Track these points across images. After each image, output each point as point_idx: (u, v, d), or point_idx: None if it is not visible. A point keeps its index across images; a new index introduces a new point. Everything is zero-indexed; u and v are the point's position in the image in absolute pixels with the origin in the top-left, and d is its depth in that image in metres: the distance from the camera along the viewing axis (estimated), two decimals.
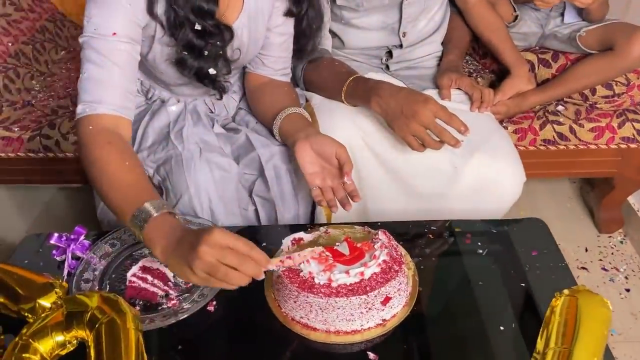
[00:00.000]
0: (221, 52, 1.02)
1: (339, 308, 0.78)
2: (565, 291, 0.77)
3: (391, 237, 0.88)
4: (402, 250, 0.89)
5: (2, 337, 0.79)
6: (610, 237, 1.66)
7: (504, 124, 1.42)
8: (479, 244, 0.96)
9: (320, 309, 0.79)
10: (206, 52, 1.00)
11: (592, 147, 1.44)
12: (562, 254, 0.94)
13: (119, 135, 0.89)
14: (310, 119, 1.09)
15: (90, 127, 0.88)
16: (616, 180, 1.54)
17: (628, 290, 1.48)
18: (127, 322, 0.74)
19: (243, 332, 0.83)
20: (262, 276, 0.74)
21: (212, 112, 1.19)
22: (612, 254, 1.60)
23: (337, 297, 0.78)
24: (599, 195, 1.64)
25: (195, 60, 1.00)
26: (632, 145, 1.44)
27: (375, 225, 0.97)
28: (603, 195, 1.61)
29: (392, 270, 0.81)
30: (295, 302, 0.81)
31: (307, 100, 1.27)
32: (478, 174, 1.13)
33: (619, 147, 1.44)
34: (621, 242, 1.64)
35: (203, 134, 1.10)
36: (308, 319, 0.81)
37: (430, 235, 0.99)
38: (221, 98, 1.13)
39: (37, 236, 1.02)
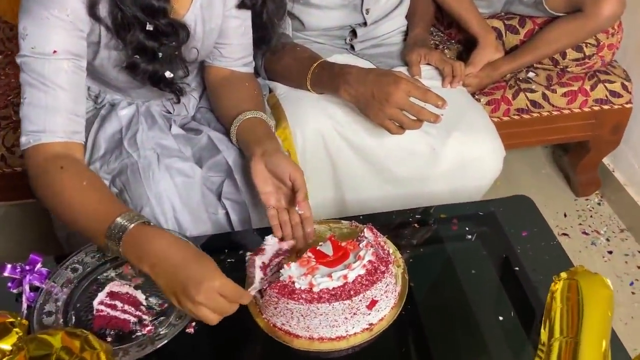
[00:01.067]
0: (177, 53, 0.93)
1: (321, 314, 0.73)
2: (564, 274, 0.74)
3: (378, 233, 0.83)
4: (390, 247, 0.84)
5: None
6: (587, 199, 1.66)
7: (476, 96, 1.38)
8: (467, 229, 0.92)
9: (302, 315, 0.74)
10: (160, 54, 0.91)
11: (566, 112, 1.42)
12: (553, 232, 0.90)
13: (71, 157, 0.83)
14: (270, 124, 1.00)
15: (38, 158, 0.82)
16: (591, 143, 1.53)
17: (610, 253, 1.48)
18: None
19: (228, 350, 0.77)
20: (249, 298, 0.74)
21: (170, 113, 1.10)
22: (591, 216, 1.60)
23: (319, 303, 0.73)
24: (574, 159, 1.63)
25: (148, 64, 0.91)
26: (605, 107, 1.42)
27: (360, 220, 0.92)
28: (578, 158, 1.60)
29: (379, 271, 0.76)
30: (275, 308, 0.75)
31: (270, 91, 1.19)
32: (457, 153, 1.09)
33: (592, 110, 1.42)
34: (599, 204, 1.64)
35: (160, 137, 1.01)
36: (290, 326, 0.76)
37: (416, 225, 0.94)
38: (179, 102, 1.04)
39: None
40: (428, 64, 1.23)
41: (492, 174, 1.12)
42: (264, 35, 1.08)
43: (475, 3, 1.40)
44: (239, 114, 0.98)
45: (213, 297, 0.69)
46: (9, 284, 0.85)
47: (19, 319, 0.75)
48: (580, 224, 1.58)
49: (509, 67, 1.39)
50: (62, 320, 0.80)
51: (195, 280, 0.69)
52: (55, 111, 0.82)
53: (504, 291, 0.82)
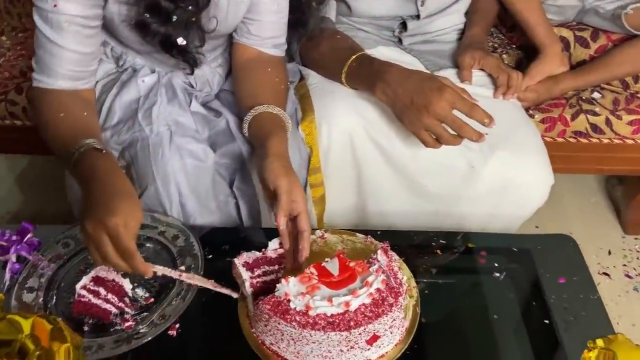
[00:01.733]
0: (194, 19, 0.85)
1: (314, 342, 0.65)
2: (600, 342, 0.63)
3: (394, 257, 0.74)
4: (405, 273, 0.74)
5: None
6: (637, 239, 1.51)
7: (530, 111, 1.25)
8: (496, 264, 0.81)
9: (293, 339, 0.66)
10: (175, 18, 0.83)
11: (630, 142, 1.27)
12: (595, 284, 0.79)
13: (71, 97, 0.85)
14: (283, 117, 0.91)
15: (38, 95, 0.85)
16: None
17: None
18: (65, 357, 0.61)
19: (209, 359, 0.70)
20: (149, 273, 0.70)
21: (193, 87, 1.02)
22: (638, 258, 1.45)
23: (313, 329, 0.65)
24: (630, 193, 1.48)
25: (160, 26, 0.83)
26: None
27: (377, 235, 0.83)
28: (634, 193, 1.45)
29: (386, 303, 0.67)
30: (265, 325, 0.68)
31: (302, 78, 1.09)
32: (499, 175, 0.97)
33: None
34: None
35: (177, 114, 0.94)
36: (278, 347, 0.68)
37: (438, 251, 0.84)
38: (192, 73, 0.96)
39: None
40: (482, 69, 1.11)
41: (535, 204, 1.00)
42: (300, 18, 0.98)
43: (545, 8, 1.26)
44: (253, 106, 0.90)
45: (101, 237, 0.66)
46: None
47: None
48: (624, 265, 1.44)
49: (572, 84, 1.25)
50: (42, 299, 0.76)
51: (101, 210, 0.67)
52: (60, 64, 0.83)
53: (528, 345, 0.71)
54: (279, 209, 0.77)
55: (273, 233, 0.84)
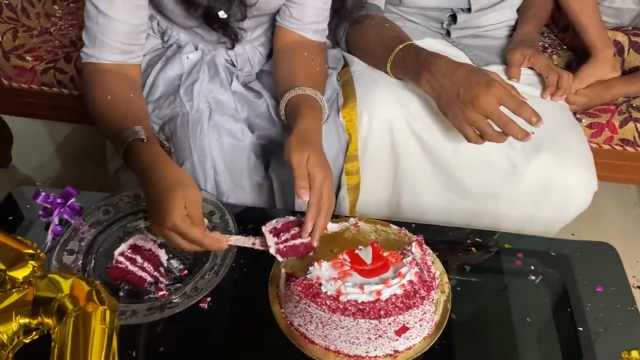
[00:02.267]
0: None
1: (343, 327, 0.66)
2: (635, 354, 0.62)
3: (428, 250, 0.73)
4: (438, 268, 0.73)
5: None
6: None
7: (577, 115, 1.21)
8: (532, 267, 0.80)
9: (322, 323, 0.67)
10: None
11: None
12: (633, 295, 0.76)
13: (117, 75, 0.87)
14: (320, 102, 0.89)
15: (90, 70, 0.87)
16: None
17: None
18: (101, 319, 0.63)
19: (237, 335, 0.71)
20: (224, 245, 0.73)
21: (234, 66, 1.02)
22: None
23: (343, 315, 0.65)
24: None
25: None
26: None
27: (411, 228, 0.82)
28: None
29: (418, 295, 0.67)
30: (295, 307, 0.69)
31: (345, 65, 1.08)
32: (541, 177, 0.94)
33: None
34: None
35: (218, 92, 0.95)
36: (306, 330, 0.69)
37: (473, 248, 0.83)
38: (232, 47, 0.96)
39: (28, 189, 0.92)
40: (531, 68, 1.08)
41: (577, 210, 0.97)
42: (344, 2, 0.97)
43: (601, 10, 1.21)
44: (288, 90, 0.90)
45: (170, 234, 0.69)
46: (40, 212, 0.83)
47: (38, 251, 0.73)
48: None
49: (624, 90, 1.20)
50: (81, 262, 0.78)
51: (158, 213, 0.69)
52: (110, 36, 0.84)
53: (559, 351, 0.70)
54: (294, 182, 0.76)
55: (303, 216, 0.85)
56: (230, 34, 0.91)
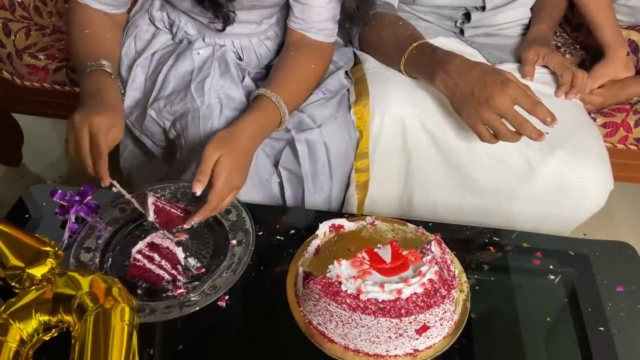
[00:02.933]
0: None
1: (363, 326, 0.65)
2: None
3: (447, 249, 0.73)
4: (457, 267, 0.73)
5: None
6: None
7: (592, 115, 1.20)
8: (551, 266, 0.79)
9: (342, 321, 0.66)
10: None
11: None
12: None
13: (101, 18, 0.95)
14: (280, 108, 0.89)
15: (73, 9, 0.95)
16: None
17: None
18: (121, 316, 0.63)
19: (255, 334, 0.71)
20: (104, 184, 0.79)
21: (241, 60, 1.02)
22: None
23: (364, 313, 0.65)
24: None
25: None
26: None
27: (428, 227, 0.82)
28: None
29: (438, 294, 0.66)
30: (315, 305, 0.68)
31: (356, 63, 1.08)
32: (557, 175, 0.94)
33: None
34: None
35: (229, 88, 0.95)
36: (326, 328, 0.69)
37: (491, 247, 0.82)
38: (223, 29, 0.96)
39: (43, 187, 0.92)
40: (545, 66, 1.08)
41: (592, 208, 0.97)
42: (349, 5, 0.97)
43: (616, 8, 1.21)
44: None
45: (83, 128, 0.79)
46: (57, 210, 0.83)
47: (56, 249, 0.73)
48: None
49: (639, 89, 1.19)
50: (98, 259, 0.78)
51: (87, 111, 0.80)
52: None
53: (579, 351, 0.69)
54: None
55: (318, 214, 0.85)
56: (220, 15, 0.92)
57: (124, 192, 0.81)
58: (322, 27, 0.98)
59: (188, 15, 0.99)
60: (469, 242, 0.84)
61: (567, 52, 1.34)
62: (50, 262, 0.71)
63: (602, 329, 0.71)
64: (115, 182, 0.80)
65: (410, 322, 0.64)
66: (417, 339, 0.66)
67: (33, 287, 0.68)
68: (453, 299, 0.68)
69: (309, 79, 0.98)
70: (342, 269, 0.69)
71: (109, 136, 0.80)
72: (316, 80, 1.00)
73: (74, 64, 0.96)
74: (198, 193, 0.77)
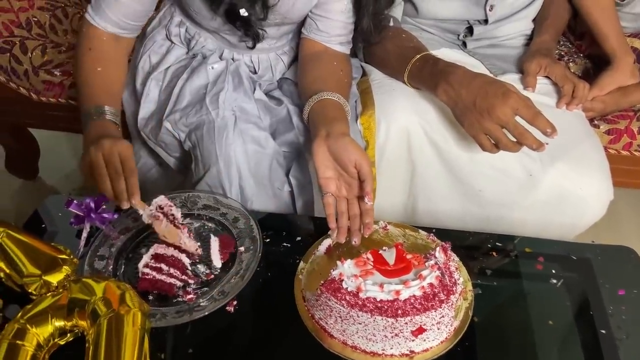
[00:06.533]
0: None
1: (360, 323, 0.67)
2: None
3: (452, 257, 0.74)
4: (462, 275, 0.75)
5: (1, 314, 0.72)
6: None
7: (595, 122, 1.22)
8: (553, 271, 0.80)
9: (340, 317, 0.69)
10: None
11: None
12: None
13: (110, 44, 0.96)
14: (346, 109, 0.93)
15: (84, 32, 0.96)
16: None
17: None
18: (133, 321, 0.65)
19: (262, 338, 0.73)
20: (124, 206, 0.79)
21: (255, 73, 1.06)
22: None
23: (361, 310, 0.67)
24: None
25: None
26: None
27: (431, 233, 0.83)
28: None
29: (437, 299, 0.68)
30: (317, 300, 0.71)
31: (364, 74, 1.11)
32: (557, 186, 0.95)
33: None
34: None
35: (242, 100, 0.98)
36: (326, 323, 0.71)
37: (494, 252, 0.84)
38: (254, 47, 1.00)
39: (59, 198, 0.95)
40: (547, 77, 1.10)
41: (592, 218, 0.98)
42: (359, 20, 1.00)
43: (620, 15, 1.22)
44: (316, 92, 0.93)
45: (112, 155, 0.82)
46: (72, 220, 0.86)
47: (71, 257, 0.76)
48: None
49: None
50: (112, 267, 0.80)
51: (96, 138, 0.84)
52: (117, 8, 0.93)
53: (581, 355, 0.70)
54: (368, 182, 0.81)
55: (326, 222, 0.86)
56: (251, 34, 0.95)
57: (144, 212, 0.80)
58: (343, 40, 1.02)
59: (214, 32, 1.02)
60: (471, 247, 0.85)
61: (571, 60, 1.36)
62: (65, 270, 0.74)
63: (604, 332, 0.72)
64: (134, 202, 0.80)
65: (406, 323, 0.66)
66: (413, 340, 0.67)
67: (49, 294, 0.71)
68: (452, 304, 0.69)
69: (349, 86, 1.03)
70: (345, 267, 0.72)
71: (121, 146, 0.82)
72: (351, 87, 1.04)
73: (78, 93, 0.95)
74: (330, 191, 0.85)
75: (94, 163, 0.81)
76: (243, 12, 0.91)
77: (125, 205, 0.79)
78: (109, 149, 0.81)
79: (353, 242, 0.82)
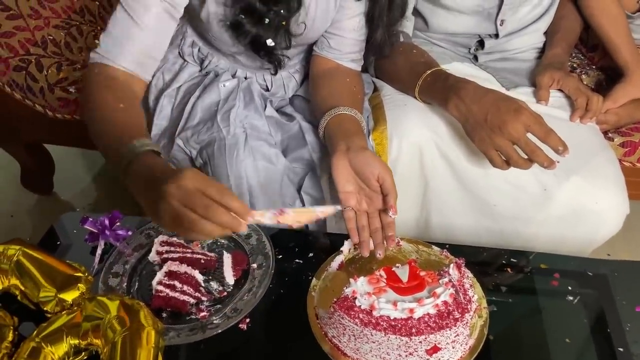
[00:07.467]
0: (284, 23, 0.89)
1: (374, 342, 0.67)
2: None
3: (467, 274, 0.74)
4: (477, 292, 0.74)
5: (16, 332, 0.73)
6: None
7: (609, 134, 1.21)
8: (569, 287, 0.79)
9: (354, 335, 0.68)
10: (267, 20, 0.88)
11: None
12: None
13: (124, 85, 0.83)
14: (363, 124, 0.93)
15: (94, 72, 0.84)
16: None
17: None
18: (147, 339, 0.65)
19: (275, 356, 0.73)
20: (243, 229, 0.64)
21: (268, 90, 1.06)
22: None
23: (375, 329, 0.66)
24: None
25: (253, 27, 0.89)
26: None
27: (445, 249, 0.83)
28: None
29: (451, 317, 0.67)
30: (330, 317, 0.70)
31: (375, 89, 1.11)
32: (572, 200, 0.94)
33: None
34: None
35: (253, 117, 0.98)
36: (339, 341, 0.70)
37: (508, 269, 0.83)
38: (276, 73, 1.01)
39: (73, 215, 0.96)
40: (560, 90, 1.09)
41: (608, 233, 0.96)
42: (370, 35, 1.01)
43: (632, 28, 1.21)
44: (332, 108, 0.93)
45: (182, 192, 0.62)
46: (86, 237, 0.87)
47: (86, 274, 0.77)
48: None
49: None
50: (126, 284, 0.81)
51: (166, 178, 0.63)
52: (131, 43, 0.83)
53: None
54: (392, 195, 0.81)
55: (339, 238, 0.86)
56: (274, 61, 0.96)
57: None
58: (355, 58, 1.03)
59: (229, 55, 1.03)
60: (486, 263, 0.84)
61: (583, 72, 1.35)
62: (81, 287, 0.74)
63: (621, 349, 0.71)
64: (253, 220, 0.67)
65: (420, 342, 0.65)
66: (427, 359, 0.67)
67: (64, 312, 0.71)
68: (467, 322, 0.68)
69: (363, 102, 1.03)
70: (358, 285, 0.71)
71: (186, 178, 0.63)
72: (364, 103, 1.04)
73: (103, 142, 0.77)
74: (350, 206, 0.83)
75: (175, 216, 0.63)
76: (270, 42, 0.91)
77: (245, 228, 0.64)
78: (176, 189, 0.62)
79: (377, 255, 0.82)
